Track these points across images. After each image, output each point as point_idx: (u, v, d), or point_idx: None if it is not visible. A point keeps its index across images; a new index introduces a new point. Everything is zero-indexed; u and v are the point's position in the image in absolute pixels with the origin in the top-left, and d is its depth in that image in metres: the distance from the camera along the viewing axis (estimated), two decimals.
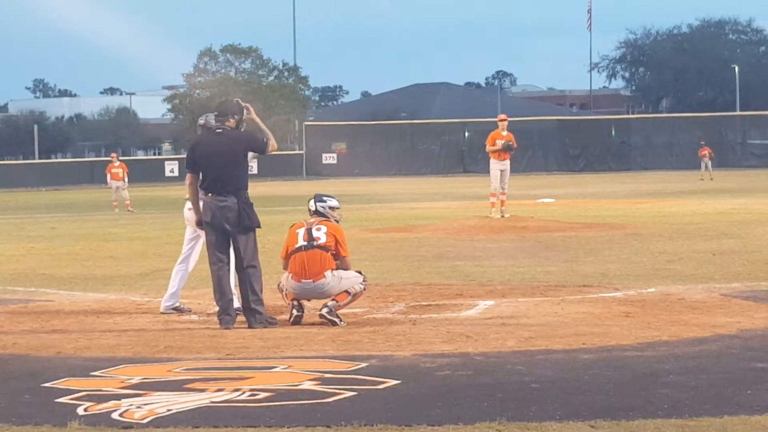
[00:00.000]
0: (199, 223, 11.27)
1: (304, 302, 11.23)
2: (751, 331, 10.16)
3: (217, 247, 11.04)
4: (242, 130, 11.33)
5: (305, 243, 11.14)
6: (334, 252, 11.15)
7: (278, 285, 11.40)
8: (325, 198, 11.57)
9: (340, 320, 10.89)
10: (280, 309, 11.58)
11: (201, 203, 11.20)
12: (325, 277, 11.03)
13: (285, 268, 11.31)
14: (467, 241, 21.05)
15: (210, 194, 11.02)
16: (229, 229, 10.95)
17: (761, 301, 12.12)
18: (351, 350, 9.44)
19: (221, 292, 10.99)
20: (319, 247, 11.11)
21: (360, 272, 11.39)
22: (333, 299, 11.02)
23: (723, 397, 7.50)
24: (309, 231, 11.21)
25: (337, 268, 11.13)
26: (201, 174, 11.10)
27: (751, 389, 7.75)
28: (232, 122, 11.20)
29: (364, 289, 11.28)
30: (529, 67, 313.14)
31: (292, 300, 11.14)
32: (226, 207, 10.93)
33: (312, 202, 11.54)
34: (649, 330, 10.23)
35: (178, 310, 11.94)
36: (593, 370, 8.42)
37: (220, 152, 11.01)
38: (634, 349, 9.33)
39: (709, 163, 55.65)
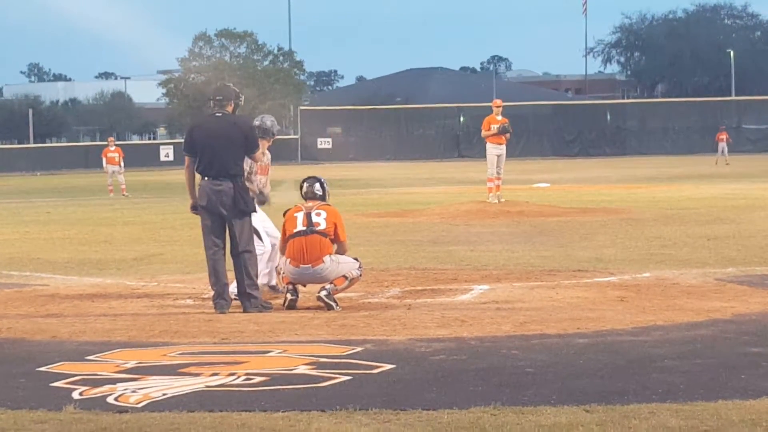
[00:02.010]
0: (194, 208, 11.25)
1: (299, 287, 11.23)
2: (745, 316, 10.17)
3: (212, 232, 11.03)
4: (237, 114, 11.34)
5: (304, 228, 11.13)
6: (332, 237, 11.15)
7: (277, 267, 11.39)
8: (315, 179, 11.49)
9: (336, 304, 10.90)
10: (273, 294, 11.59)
11: (197, 188, 11.19)
12: (324, 262, 11.03)
13: (282, 252, 11.31)
14: (462, 226, 21.05)
15: (206, 178, 11.02)
16: (225, 214, 10.94)
17: (756, 286, 12.13)
18: (346, 335, 9.45)
19: (216, 277, 10.98)
20: (319, 232, 11.11)
21: (356, 259, 11.39)
22: (331, 283, 11.02)
23: (717, 382, 7.51)
24: (308, 216, 11.19)
25: (334, 253, 11.14)
26: (198, 157, 11.07)
27: (745, 374, 7.76)
28: (230, 107, 11.19)
29: (360, 275, 11.29)
30: (524, 52, 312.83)
31: (287, 284, 11.14)
32: (222, 191, 10.92)
33: (305, 185, 11.48)
34: (644, 315, 10.24)
35: (274, 289, 11.71)
36: (588, 355, 8.43)
37: (218, 136, 10.99)
38: (628, 333, 9.33)
39: (725, 148, 55.56)
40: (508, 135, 26.17)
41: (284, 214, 11.39)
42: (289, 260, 11.11)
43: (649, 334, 9.30)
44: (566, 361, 8.21)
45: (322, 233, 11.09)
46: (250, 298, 10.92)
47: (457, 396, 7.13)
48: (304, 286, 11.29)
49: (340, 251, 11.22)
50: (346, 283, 11.10)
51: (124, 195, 36.34)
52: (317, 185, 11.43)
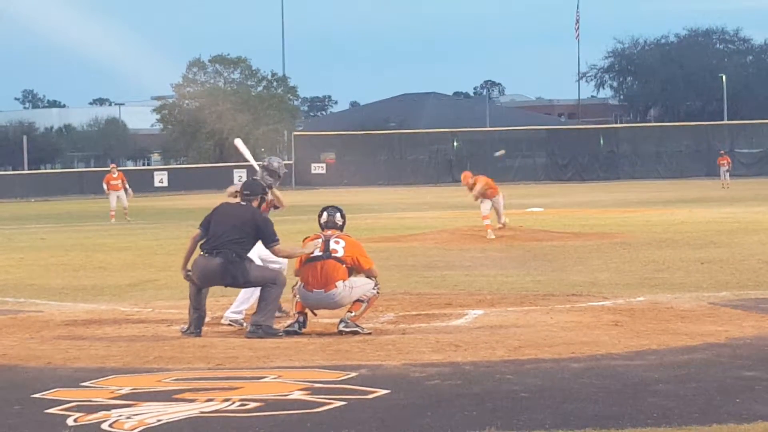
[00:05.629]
0: (187, 276, 11.32)
1: (309, 317, 11.21)
2: (739, 340, 10.19)
3: (195, 295, 11.20)
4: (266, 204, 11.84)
5: (321, 254, 11.17)
6: (349, 266, 11.16)
7: (293, 288, 11.36)
8: (336, 209, 11.59)
9: (362, 329, 10.90)
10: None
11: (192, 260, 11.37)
12: (336, 287, 11.04)
13: (296, 274, 11.34)
14: (456, 251, 21.07)
15: (204, 253, 11.19)
16: (218, 282, 11.20)
17: (749, 310, 12.16)
18: (340, 360, 9.46)
19: (195, 309, 11.13)
20: (335, 258, 11.14)
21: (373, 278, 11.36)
22: (349, 310, 11.03)
23: (712, 406, 7.53)
24: (327, 242, 11.24)
25: (349, 277, 11.13)
26: (209, 233, 11.27)
27: (740, 397, 7.77)
28: (256, 202, 11.56)
29: (378, 293, 11.29)
30: (517, 76, 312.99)
31: (298, 312, 11.15)
32: (213, 263, 11.08)
33: (325, 214, 11.54)
34: (638, 339, 10.26)
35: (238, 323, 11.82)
36: (582, 379, 8.44)
37: (233, 222, 11.25)
38: (623, 357, 9.35)
39: (727, 174, 55.94)
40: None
41: (303, 241, 11.43)
42: (303, 284, 11.14)
43: (644, 358, 9.31)
44: (561, 386, 8.22)
45: (339, 260, 11.13)
46: (254, 326, 10.99)
47: (452, 421, 7.13)
48: (315, 314, 11.30)
49: (369, 276, 11.24)
50: (364, 306, 11.11)
51: (126, 220, 36.27)
52: (338, 215, 11.52)
